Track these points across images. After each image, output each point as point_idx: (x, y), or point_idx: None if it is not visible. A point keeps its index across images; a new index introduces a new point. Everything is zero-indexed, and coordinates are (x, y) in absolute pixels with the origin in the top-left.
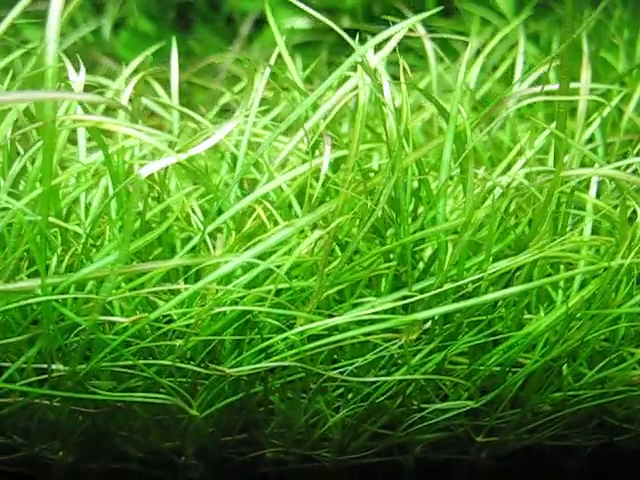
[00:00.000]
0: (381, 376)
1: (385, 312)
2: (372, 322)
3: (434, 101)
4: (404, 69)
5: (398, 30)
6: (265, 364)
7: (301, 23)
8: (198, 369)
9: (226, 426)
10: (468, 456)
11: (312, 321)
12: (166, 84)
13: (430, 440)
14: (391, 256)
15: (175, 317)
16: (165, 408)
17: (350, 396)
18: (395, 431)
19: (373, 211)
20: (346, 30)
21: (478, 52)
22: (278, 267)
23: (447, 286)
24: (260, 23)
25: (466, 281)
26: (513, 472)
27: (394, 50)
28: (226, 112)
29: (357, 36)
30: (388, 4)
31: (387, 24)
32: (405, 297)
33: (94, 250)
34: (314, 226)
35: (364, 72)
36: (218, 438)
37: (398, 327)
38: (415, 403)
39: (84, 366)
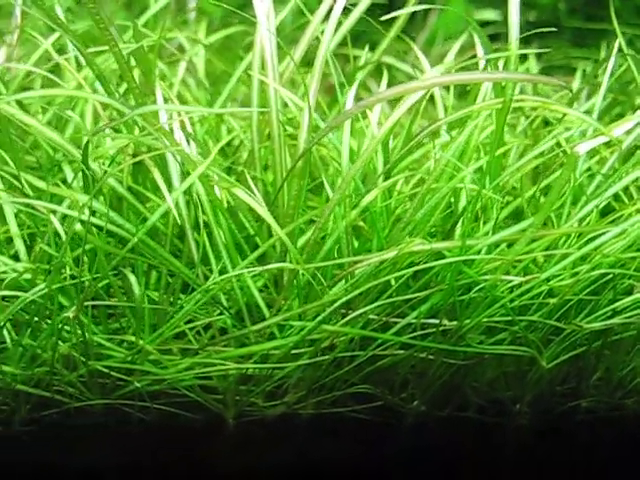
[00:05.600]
0: None
1: None
2: None
3: None
4: None
5: None
6: (617, 320)
7: (491, 15)
8: (559, 324)
9: (561, 377)
10: None
11: None
12: None
13: None
14: None
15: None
16: (517, 360)
17: None
18: None
19: None
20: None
21: None
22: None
23: None
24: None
25: None
26: None
27: None
28: None
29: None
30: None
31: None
32: None
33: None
34: None
35: None
36: (553, 388)
37: None
38: None
39: (468, 321)
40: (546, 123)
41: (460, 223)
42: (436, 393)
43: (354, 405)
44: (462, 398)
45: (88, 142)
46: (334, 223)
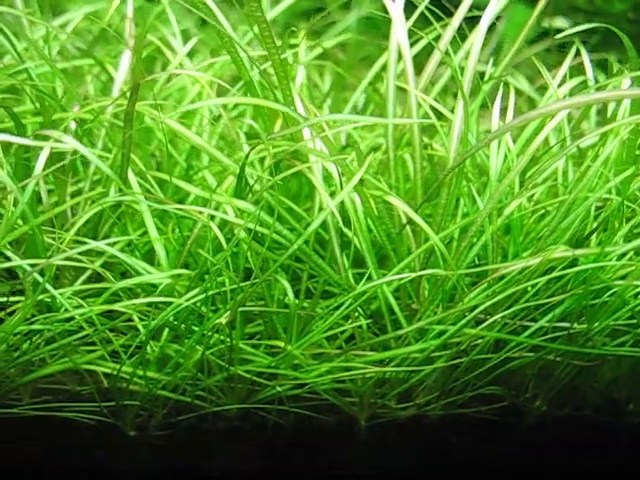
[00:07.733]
0: None
1: None
2: None
3: None
4: None
5: None
6: None
7: (560, 23)
8: None
9: None
10: None
11: None
12: None
13: None
14: None
15: None
16: (635, 361)
17: None
18: None
19: None
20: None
21: None
22: None
23: None
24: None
25: None
26: None
27: None
28: None
29: None
30: None
31: None
32: None
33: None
34: None
35: None
36: None
37: None
38: None
39: (597, 324)
40: None
41: (596, 231)
42: (558, 393)
43: (479, 406)
44: (581, 398)
45: (251, 150)
46: (481, 230)
